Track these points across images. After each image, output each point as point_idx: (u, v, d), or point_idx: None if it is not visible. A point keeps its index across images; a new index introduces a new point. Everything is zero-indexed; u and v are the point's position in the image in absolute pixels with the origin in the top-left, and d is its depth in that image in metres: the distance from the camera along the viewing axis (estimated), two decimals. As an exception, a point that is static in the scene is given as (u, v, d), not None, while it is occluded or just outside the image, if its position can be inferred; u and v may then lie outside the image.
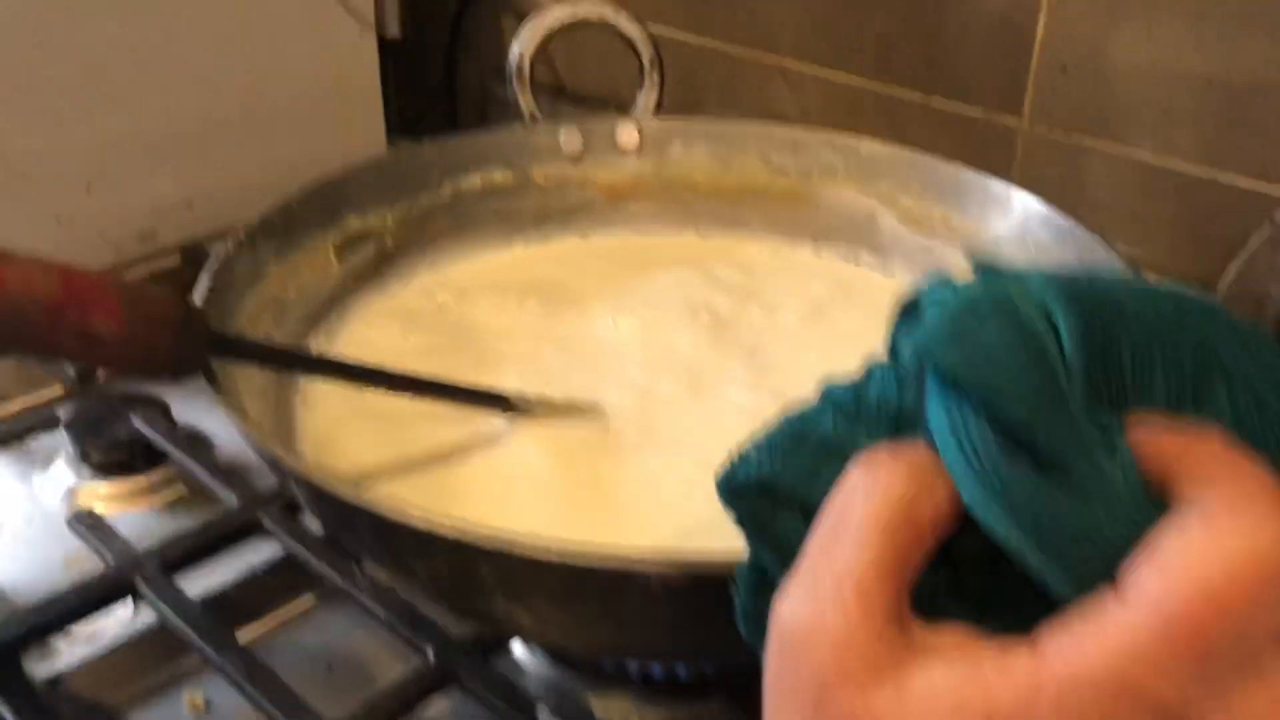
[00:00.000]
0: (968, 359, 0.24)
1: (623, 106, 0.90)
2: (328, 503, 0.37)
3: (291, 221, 0.54)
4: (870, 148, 0.63)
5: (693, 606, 0.34)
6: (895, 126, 0.77)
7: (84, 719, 0.51)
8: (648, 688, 0.50)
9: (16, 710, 0.48)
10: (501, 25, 0.99)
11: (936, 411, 0.25)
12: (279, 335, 0.52)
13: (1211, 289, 0.65)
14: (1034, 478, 0.23)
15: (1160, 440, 0.25)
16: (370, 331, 0.56)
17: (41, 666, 0.52)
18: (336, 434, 0.51)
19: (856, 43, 0.76)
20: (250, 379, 0.48)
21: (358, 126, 0.95)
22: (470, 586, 0.37)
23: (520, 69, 0.65)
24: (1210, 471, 0.24)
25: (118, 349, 0.41)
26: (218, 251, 0.50)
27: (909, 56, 0.74)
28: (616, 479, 0.48)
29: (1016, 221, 0.58)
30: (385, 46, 0.97)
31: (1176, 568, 0.22)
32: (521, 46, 0.64)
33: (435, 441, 0.50)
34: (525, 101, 0.65)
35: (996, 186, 0.59)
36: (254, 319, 0.51)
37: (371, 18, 0.93)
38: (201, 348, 0.44)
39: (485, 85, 1.02)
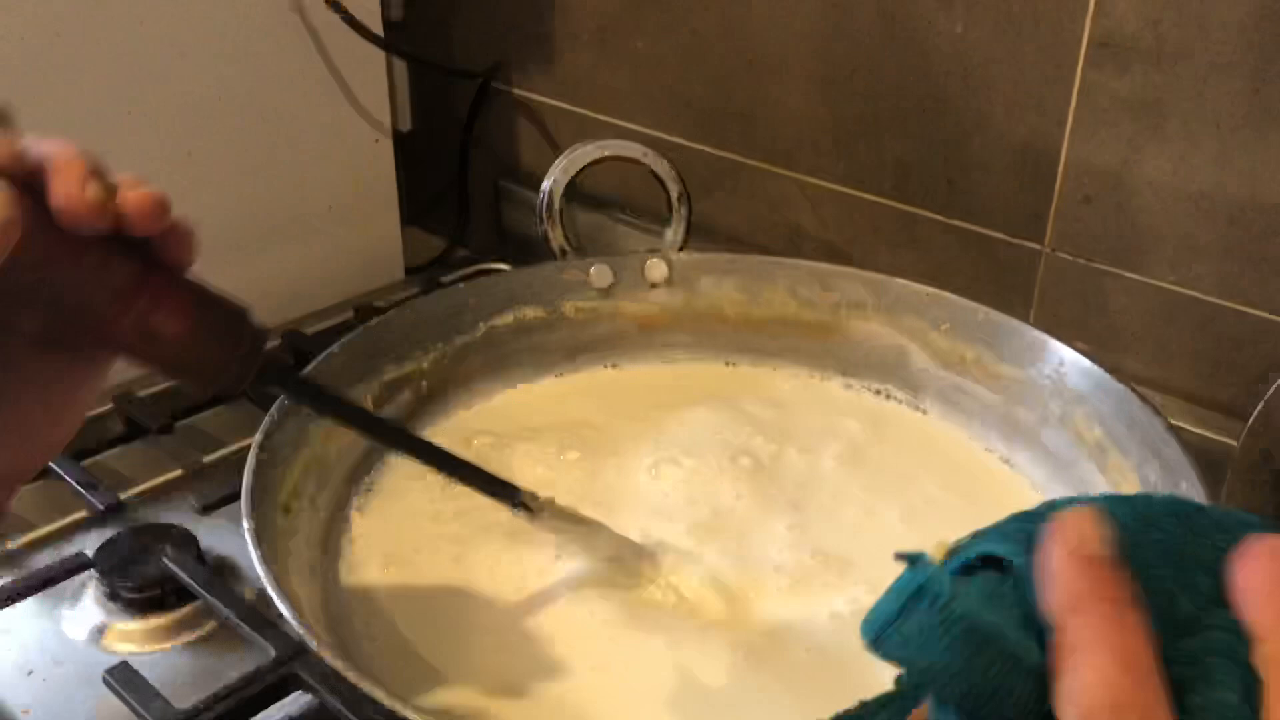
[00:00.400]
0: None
1: (635, 209, 0.91)
2: None
3: (330, 380, 0.55)
4: (900, 286, 0.64)
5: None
6: (916, 242, 0.77)
7: None
8: None
9: None
10: (514, 120, 1.00)
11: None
12: (322, 497, 0.52)
13: (1232, 414, 0.65)
14: None
15: None
16: (410, 484, 0.56)
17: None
18: (378, 586, 0.51)
19: (875, 164, 0.77)
20: (298, 548, 0.49)
21: (375, 224, 0.96)
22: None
23: (550, 204, 0.65)
24: None
25: (176, 351, 0.39)
26: (265, 424, 0.50)
27: (929, 180, 0.75)
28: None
29: (1051, 368, 0.59)
30: (398, 138, 0.97)
31: None
32: (552, 183, 0.65)
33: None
34: (555, 236, 0.65)
35: (1031, 333, 0.59)
36: (299, 486, 0.51)
37: (387, 121, 0.93)
38: (254, 370, 0.41)
39: (496, 179, 1.02)
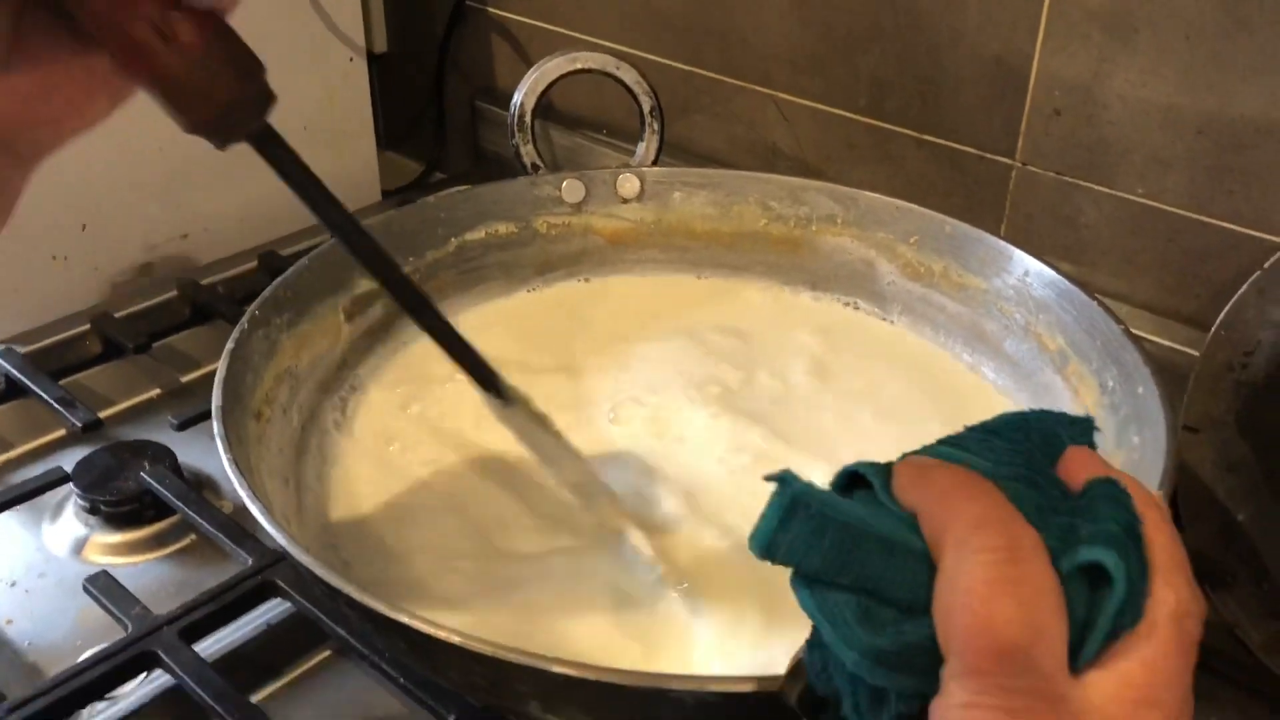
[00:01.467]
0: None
1: (611, 129, 0.91)
2: (369, 617, 0.38)
3: (301, 292, 0.55)
4: (869, 199, 0.64)
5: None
6: (890, 159, 0.77)
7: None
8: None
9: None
10: (490, 40, 0.99)
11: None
12: (295, 407, 0.53)
13: (1196, 326, 0.66)
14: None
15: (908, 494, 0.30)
16: (384, 395, 0.57)
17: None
18: (350, 492, 0.52)
19: (850, 81, 0.77)
20: (268, 453, 0.49)
21: (350, 145, 0.95)
22: (506, 694, 0.38)
23: (522, 119, 0.65)
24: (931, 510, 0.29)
25: (185, 66, 0.36)
26: (237, 330, 0.50)
27: (903, 96, 0.75)
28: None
29: (1016, 278, 0.59)
30: (372, 60, 0.96)
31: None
32: (522, 96, 0.64)
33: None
34: (527, 152, 0.65)
35: (997, 244, 0.60)
36: (270, 394, 0.51)
37: (361, 41, 0.92)
38: (250, 124, 0.40)
39: (473, 100, 1.02)
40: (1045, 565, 0.27)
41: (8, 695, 0.52)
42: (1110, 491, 0.29)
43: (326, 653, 0.58)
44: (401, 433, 0.56)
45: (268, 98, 0.40)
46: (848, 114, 0.78)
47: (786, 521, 0.28)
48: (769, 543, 0.28)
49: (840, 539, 0.28)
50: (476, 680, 0.38)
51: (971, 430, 0.33)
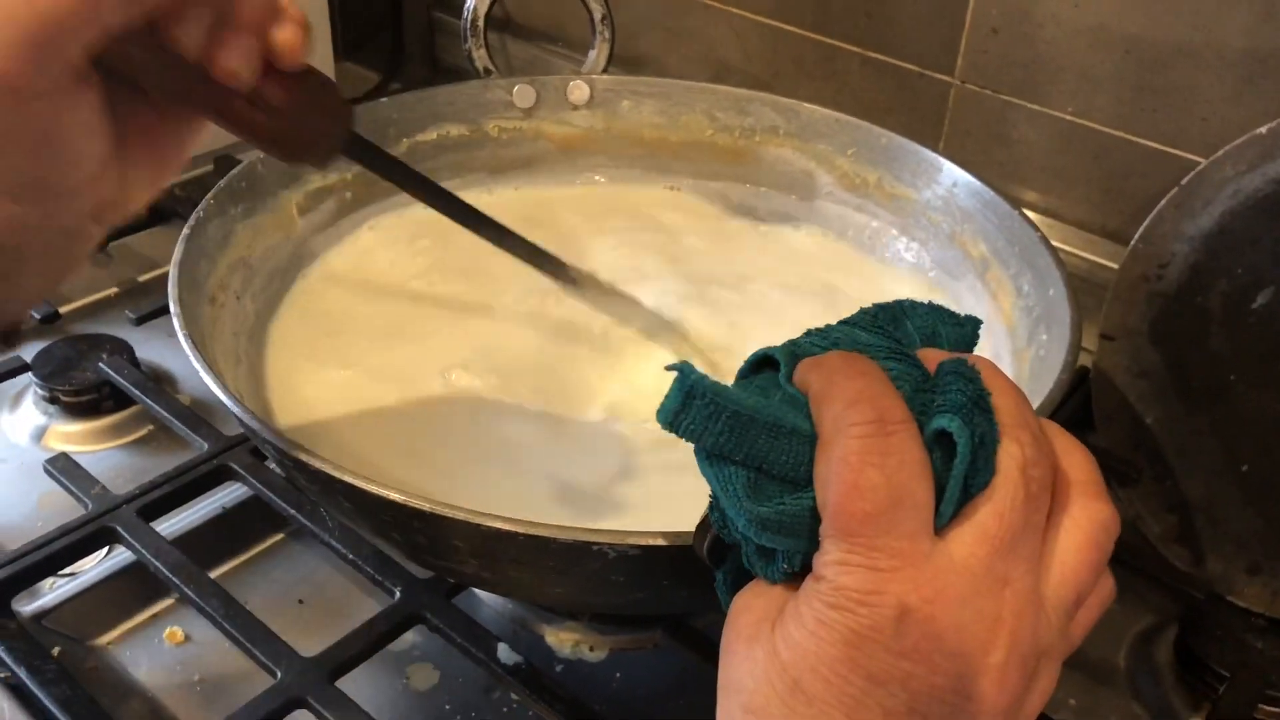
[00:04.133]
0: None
1: (568, 42, 0.92)
2: (310, 475, 0.41)
3: (256, 183, 0.57)
4: (810, 111, 0.66)
5: (643, 570, 0.39)
6: (835, 75, 0.80)
7: (71, 652, 0.54)
8: (596, 619, 0.55)
9: (7, 646, 0.51)
10: (448, -49, 1.00)
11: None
12: (248, 296, 0.55)
13: (1120, 241, 0.69)
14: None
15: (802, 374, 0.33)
16: (328, 288, 0.59)
17: (27, 603, 0.55)
18: (299, 379, 0.54)
19: (798, -3, 0.79)
20: (222, 336, 0.51)
21: (308, 56, 0.95)
22: (444, 551, 0.41)
23: (475, 23, 0.66)
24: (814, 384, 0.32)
25: (278, 123, 0.40)
26: (192, 220, 0.52)
27: (848, 12, 0.77)
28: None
29: (944, 189, 0.62)
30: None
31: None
32: (477, 1, 0.66)
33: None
34: (479, 56, 0.67)
35: (929, 156, 0.63)
36: (224, 281, 0.53)
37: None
38: (341, 145, 0.43)
39: (430, 11, 1.02)
40: (913, 438, 0.30)
41: (-29, 566, 0.54)
42: (958, 368, 0.32)
43: (280, 535, 0.61)
44: (345, 318, 0.58)
45: (351, 114, 0.43)
46: (796, 29, 0.80)
47: (685, 406, 0.31)
48: (671, 421, 0.32)
49: (731, 424, 0.31)
50: (418, 539, 0.41)
51: (865, 311, 0.36)
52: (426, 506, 0.38)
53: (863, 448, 0.30)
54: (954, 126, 0.75)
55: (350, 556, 0.55)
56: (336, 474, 0.39)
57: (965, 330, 0.37)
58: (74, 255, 0.39)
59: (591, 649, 0.55)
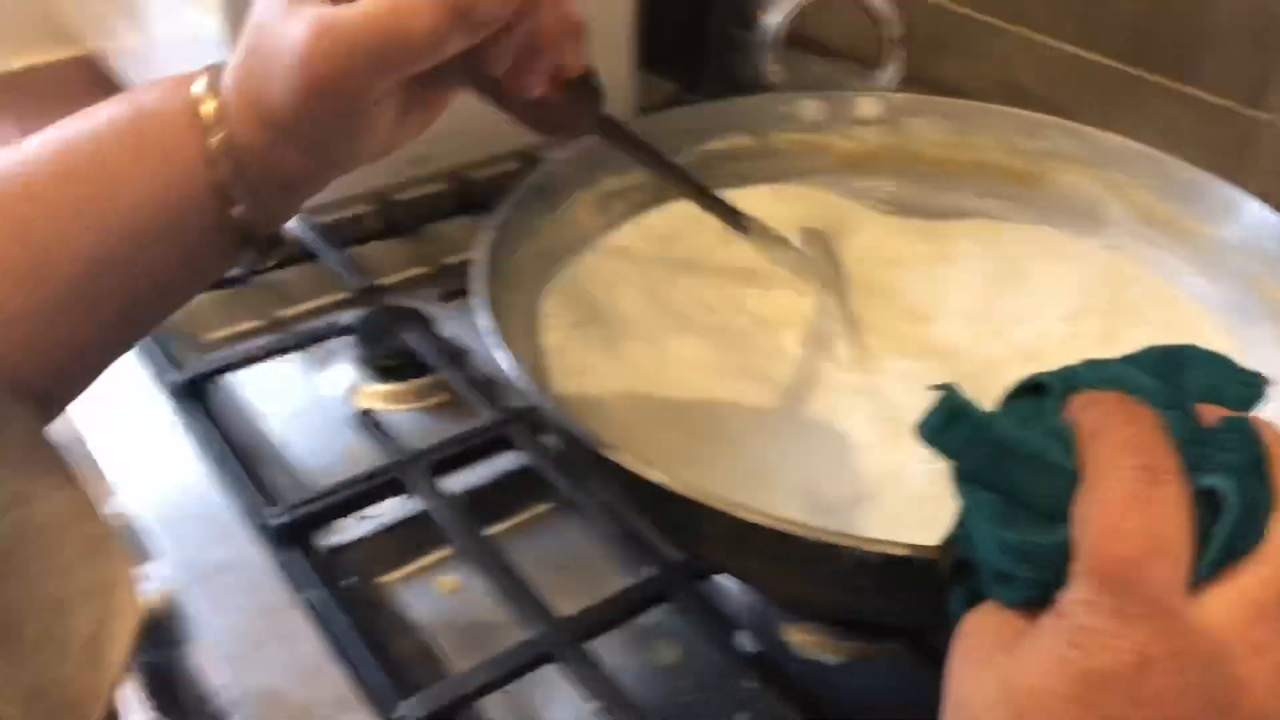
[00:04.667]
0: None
1: (861, 60, 0.93)
2: (581, 451, 0.45)
3: (555, 182, 0.62)
4: (1107, 139, 0.65)
5: (883, 579, 0.40)
6: (1141, 106, 0.77)
7: (358, 586, 0.61)
8: (835, 624, 0.57)
9: (304, 572, 0.58)
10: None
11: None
12: (539, 282, 0.60)
13: None
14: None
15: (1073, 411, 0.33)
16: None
17: (325, 538, 0.62)
18: (573, 361, 0.58)
19: (1108, 24, 0.76)
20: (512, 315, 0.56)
21: (606, 63, 1.00)
22: (697, 537, 0.44)
23: (770, 40, 0.69)
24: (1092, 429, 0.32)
25: (544, 110, 0.47)
26: (496, 213, 0.57)
27: (1160, 43, 0.74)
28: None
29: (1247, 229, 0.59)
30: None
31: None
32: (773, 19, 0.68)
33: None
34: (773, 71, 0.69)
35: (1234, 193, 0.60)
36: (522, 268, 0.58)
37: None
38: (596, 121, 0.51)
39: (727, 27, 1.06)
40: (1181, 491, 0.30)
41: (282, 499, 0.61)
42: (1239, 426, 0.32)
43: (548, 505, 0.66)
44: (620, 308, 0.62)
45: (604, 94, 0.50)
46: (1101, 58, 0.78)
47: (948, 426, 0.33)
48: (932, 438, 0.33)
49: (992, 452, 0.32)
50: (676, 522, 0.44)
51: (1148, 352, 0.36)
52: (687, 492, 0.40)
53: (1128, 493, 0.30)
54: (1263, 165, 0.71)
55: (609, 530, 0.59)
56: (609, 455, 0.43)
57: (1251, 388, 0.36)
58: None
59: (829, 652, 0.56)
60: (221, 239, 0.45)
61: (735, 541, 0.43)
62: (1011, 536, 0.31)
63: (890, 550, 0.39)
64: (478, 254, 0.54)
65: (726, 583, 0.58)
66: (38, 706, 0.38)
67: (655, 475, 0.41)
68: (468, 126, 0.90)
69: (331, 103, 0.42)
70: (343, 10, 0.40)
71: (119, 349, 0.48)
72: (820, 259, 0.64)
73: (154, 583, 0.60)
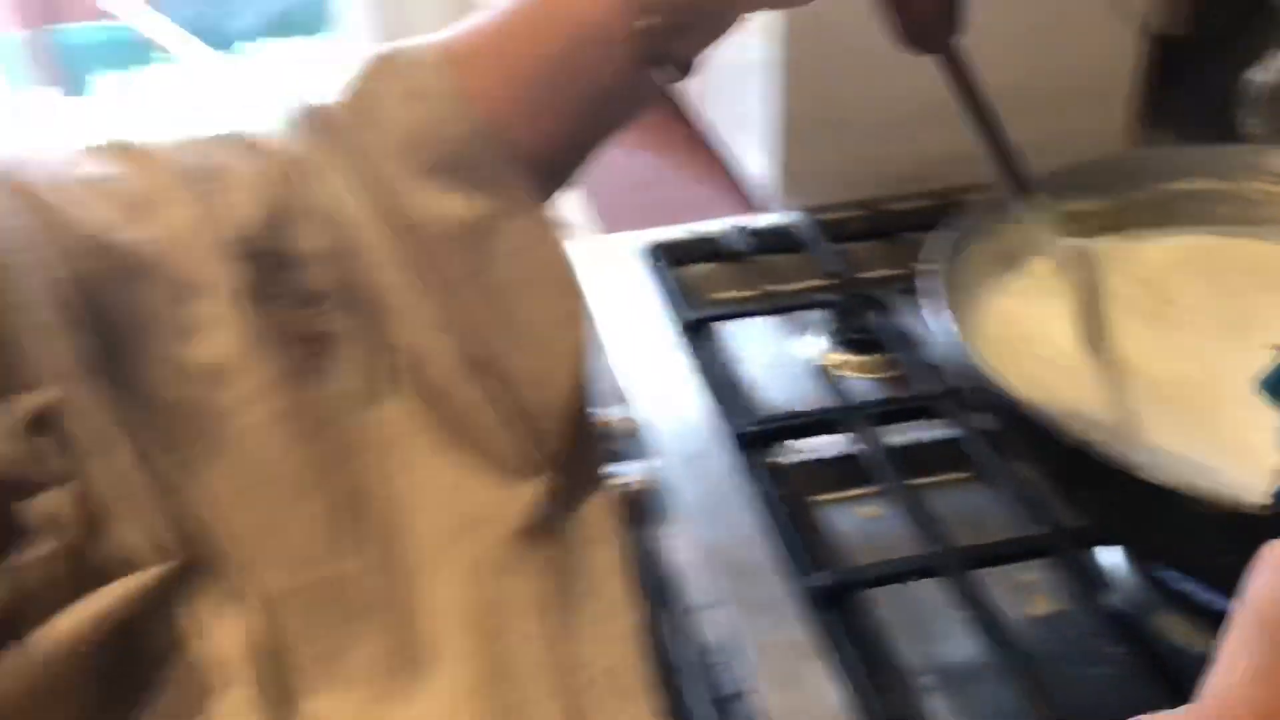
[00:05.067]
0: None
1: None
2: (1016, 419, 0.55)
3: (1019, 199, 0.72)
4: None
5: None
6: None
7: (793, 497, 0.74)
8: (1214, 619, 0.62)
9: (758, 474, 0.73)
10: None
11: None
12: (1000, 274, 0.71)
13: None
14: None
15: None
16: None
17: (777, 454, 0.77)
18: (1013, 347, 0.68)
19: None
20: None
21: (1107, 116, 1.08)
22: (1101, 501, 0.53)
23: (1256, 94, 0.74)
24: None
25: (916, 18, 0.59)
26: (964, 211, 0.69)
27: None
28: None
29: None
30: (1159, 40, 1.07)
31: None
32: (1260, 75, 0.73)
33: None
34: (1252, 124, 0.74)
35: None
36: (976, 261, 0.69)
37: (1141, 16, 1.04)
38: (947, 46, 0.61)
39: (1223, 77, 1.07)
40: None
41: (751, 415, 0.77)
42: None
43: (963, 475, 0.76)
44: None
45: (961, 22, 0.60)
46: None
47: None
48: (1270, 386, 0.41)
49: None
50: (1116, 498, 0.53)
51: None
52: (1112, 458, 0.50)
53: None
54: None
55: (1014, 501, 0.68)
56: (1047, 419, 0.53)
57: None
58: None
59: (1197, 643, 0.62)
60: (633, 51, 0.55)
61: (1134, 504, 0.51)
62: None
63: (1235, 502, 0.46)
64: (936, 256, 0.67)
65: (1112, 558, 0.66)
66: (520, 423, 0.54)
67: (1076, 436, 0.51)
68: (957, 151, 1.03)
69: None
70: None
71: (581, 147, 0.60)
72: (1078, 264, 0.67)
73: (645, 470, 0.78)
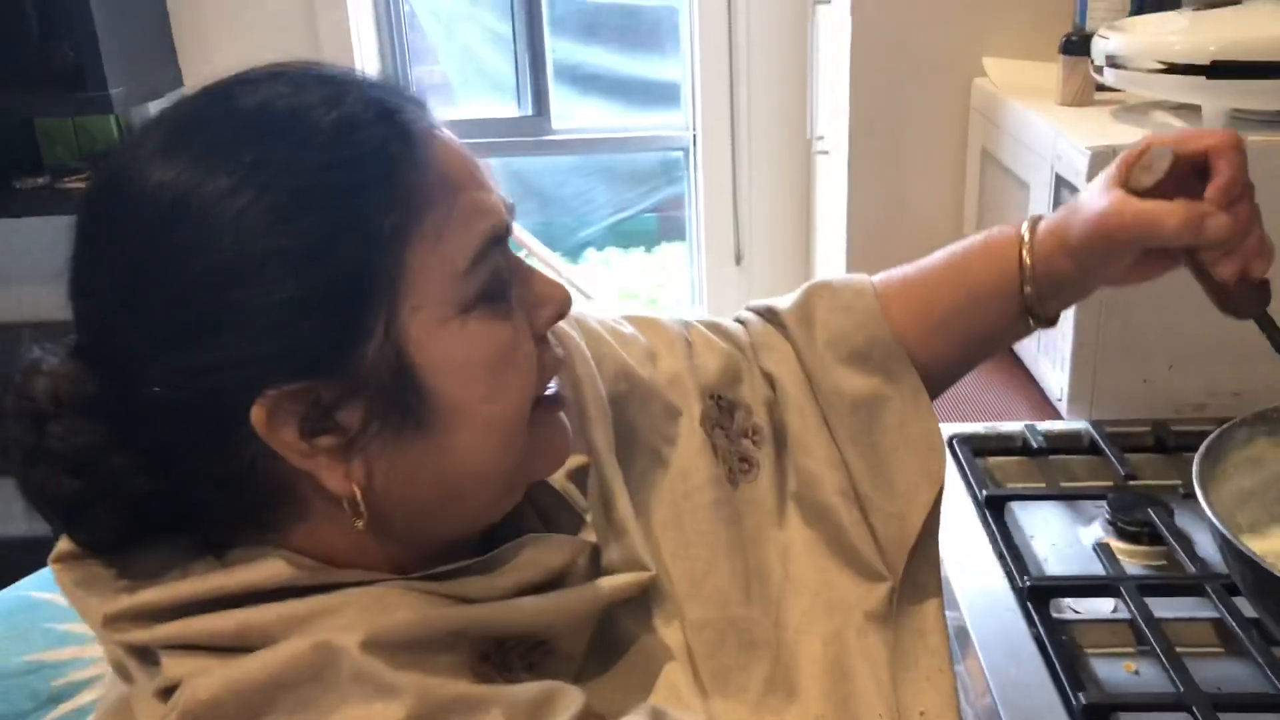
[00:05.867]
0: None
1: None
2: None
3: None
4: None
5: None
6: None
7: (1066, 645, 0.90)
8: None
9: (1039, 620, 0.90)
10: None
11: None
12: (1250, 480, 0.86)
13: None
14: None
15: None
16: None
17: (1055, 609, 0.93)
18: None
19: None
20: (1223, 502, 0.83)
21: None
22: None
23: None
24: None
25: (1240, 299, 0.73)
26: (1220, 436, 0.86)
27: None
28: None
29: None
30: None
31: None
32: None
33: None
34: None
35: None
36: (1235, 466, 0.85)
37: None
38: (1261, 312, 0.75)
39: None
40: None
41: (1031, 574, 0.94)
42: None
43: (1220, 649, 0.89)
44: None
45: (1269, 297, 0.76)
46: None
47: None
48: None
49: None
50: None
51: None
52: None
53: None
54: None
55: (1263, 665, 0.82)
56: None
57: None
58: None
59: None
60: (1017, 307, 0.77)
61: None
62: None
63: None
64: (1200, 464, 0.83)
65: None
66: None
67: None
68: (1246, 387, 1.18)
69: (1104, 241, 0.72)
70: (1135, 200, 0.72)
71: (962, 366, 0.83)
72: None
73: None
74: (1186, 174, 0.72)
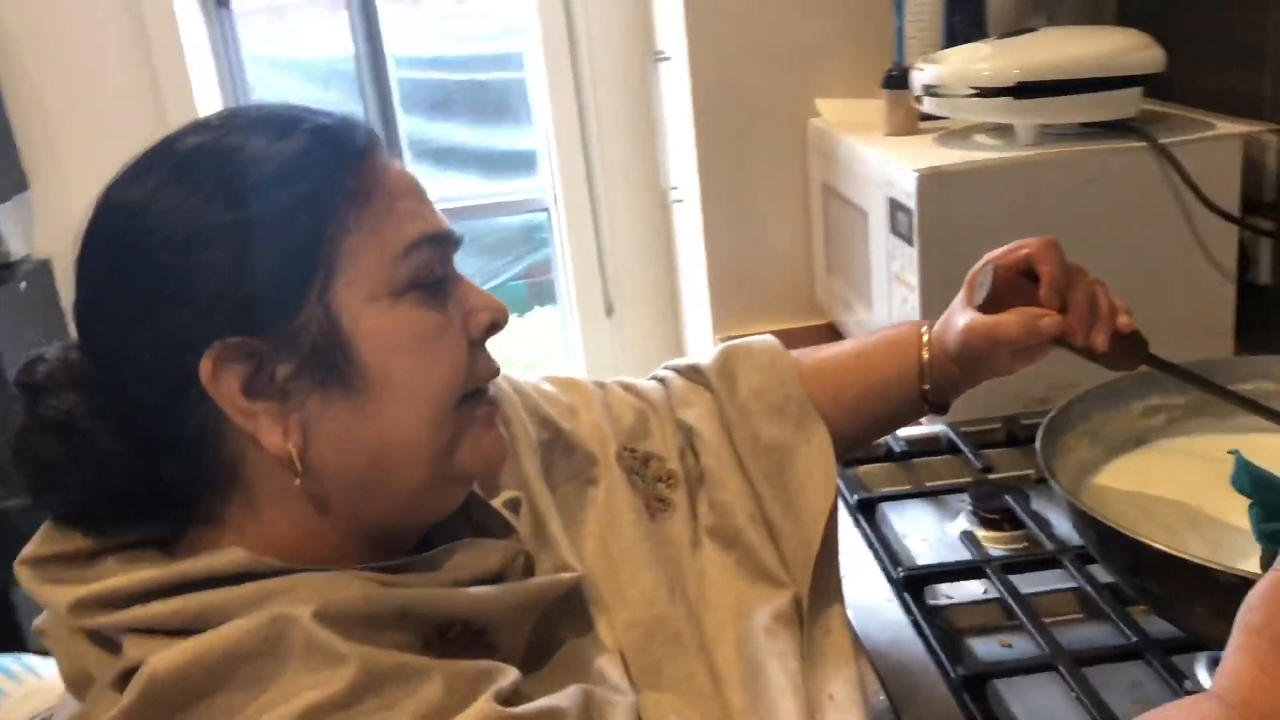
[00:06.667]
0: None
1: None
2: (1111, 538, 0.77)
3: (1113, 394, 0.95)
4: None
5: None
6: None
7: (941, 630, 0.95)
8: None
9: (911, 609, 0.95)
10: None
11: None
12: (1090, 452, 0.93)
13: None
14: None
15: None
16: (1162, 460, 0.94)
17: (929, 597, 0.98)
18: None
19: None
20: (1067, 470, 0.90)
21: (1212, 346, 1.30)
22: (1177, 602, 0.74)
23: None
24: None
25: (1104, 355, 0.83)
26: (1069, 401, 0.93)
27: None
28: None
29: None
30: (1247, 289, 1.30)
31: None
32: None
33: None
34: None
35: None
36: (1075, 440, 0.92)
37: (1234, 271, 1.28)
38: (1144, 357, 0.85)
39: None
40: None
41: (904, 565, 0.99)
42: None
43: (1081, 616, 0.96)
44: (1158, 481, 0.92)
45: (1145, 346, 0.85)
46: None
47: (1241, 474, 0.64)
48: (1237, 483, 0.64)
49: (1260, 488, 0.63)
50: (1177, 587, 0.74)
51: None
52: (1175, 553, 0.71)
53: None
54: None
55: (1124, 630, 0.88)
56: (1121, 529, 0.76)
57: None
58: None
59: None
60: (917, 398, 0.89)
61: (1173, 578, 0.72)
62: (1261, 532, 0.61)
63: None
64: (1042, 441, 0.90)
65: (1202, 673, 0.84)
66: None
67: (1150, 541, 0.73)
68: (1079, 379, 1.27)
69: (969, 351, 0.84)
70: (980, 316, 0.83)
71: (859, 445, 0.95)
72: None
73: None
74: (1018, 281, 0.83)
